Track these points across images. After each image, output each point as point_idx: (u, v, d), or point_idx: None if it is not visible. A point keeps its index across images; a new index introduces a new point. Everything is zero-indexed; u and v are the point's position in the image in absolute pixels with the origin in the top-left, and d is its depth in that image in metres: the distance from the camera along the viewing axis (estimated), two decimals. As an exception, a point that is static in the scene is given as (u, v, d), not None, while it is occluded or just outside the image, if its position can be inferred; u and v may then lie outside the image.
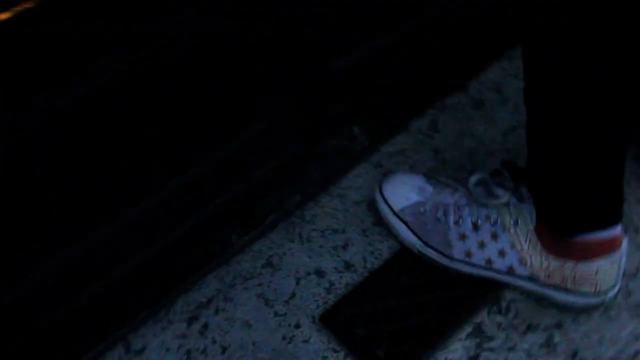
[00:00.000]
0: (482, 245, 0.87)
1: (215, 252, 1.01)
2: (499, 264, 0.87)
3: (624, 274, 0.89)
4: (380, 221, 1.01)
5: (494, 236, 0.86)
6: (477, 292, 0.93)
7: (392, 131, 1.12)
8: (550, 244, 0.84)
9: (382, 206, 0.97)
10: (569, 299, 0.87)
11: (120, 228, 0.92)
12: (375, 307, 0.94)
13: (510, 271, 0.87)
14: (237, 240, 1.02)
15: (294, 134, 1.04)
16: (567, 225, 0.82)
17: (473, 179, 0.90)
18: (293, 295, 0.96)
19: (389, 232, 0.99)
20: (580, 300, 0.87)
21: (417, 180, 0.96)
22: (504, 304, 0.92)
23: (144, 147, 0.89)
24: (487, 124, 1.12)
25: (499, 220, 0.86)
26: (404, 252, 0.98)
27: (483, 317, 0.91)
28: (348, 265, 0.98)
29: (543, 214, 0.83)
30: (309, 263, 0.99)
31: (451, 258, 0.90)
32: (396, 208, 0.95)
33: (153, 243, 0.96)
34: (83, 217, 0.89)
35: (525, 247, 0.85)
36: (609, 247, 0.82)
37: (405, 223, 0.94)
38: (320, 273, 0.98)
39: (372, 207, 1.02)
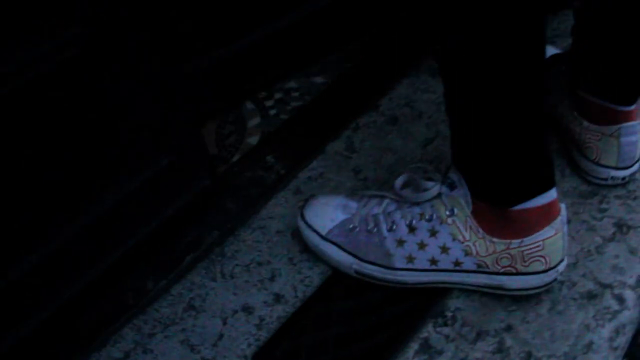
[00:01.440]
0: (422, 245, 0.81)
1: (128, 301, 0.90)
2: (444, 261, 0.81)
3: (566, 265, 0.86)
4: (307, 248, 0.93)
5: (433, 233, 0.81)
6: (419, 305, 0.86)
7: (309, 156, 1.06)
8: (491, 225, 0.79)
9: (308, 233, 0.89)
10: (523, 282, 0.82)
11: (6, 284, 0.79)
12: (314, 338, 0.84)
13: (457, 266, 0.81)
14: (153, 286, 0.91)
15: (203, 166, 0.96)
16: (503, 196, 0.78)
17: (398, 181, 0.84)
18: (221, 336, 0.85)
19: (318, 258, 0.91)
20: (534, 281, 0.81)
21: (340, 200, 0.90)
22: (449, 314, 0.85)
23: (36, 184, 0.78)
24: (404, 138, 1.08)
25: (434, 215, 0.80)
26: (335, 276, 0.90)
27: (429, 331, 0.83)
28: (278, 297, 0.89)
29: (477, 190, 0.79)
30: (234, 300, 0.89)
31: (393, 269, 0.84)
32: (323, 232, 0.87)
33: (51, 300, 0.83)
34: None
35: (467, 235, 0.79)
36: (549, 214, 0.78)
37: (336, 244, 0.86)
38: (248, 309, 0.88)
39: (297, 235, 0.95)
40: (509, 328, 0.83)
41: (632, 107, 0.90)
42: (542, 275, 0.81)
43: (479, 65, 0.68)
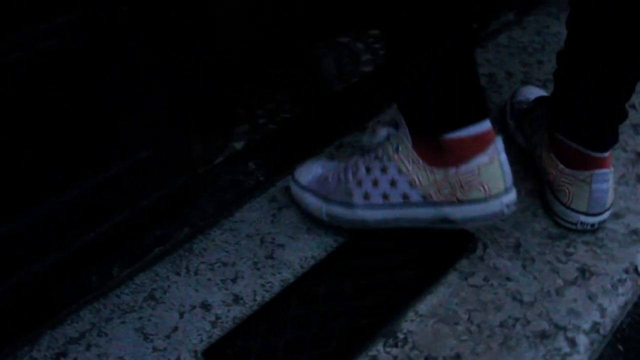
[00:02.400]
0: (375, 182, 0.89)
1: (92, 284, 0.90)
2: (394, 195, 0.88)
3: (522, 303, 0.87)
4: (272, 255, 0.95)
5: (384, 170, 0.88)
6: (373, 323, 0.86)
7: (289, 166, 1.07)
8: (430, 156, 0.85)
9: (292, 184, 1.00)
10: (466, 212, 0.85)
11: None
12: (266, 341, 0.84)
13: (405, 199, 0.87)
14: (119, 272, 0.92)
15: (183, 164, 0.98)
16: (438, 125, 0.82)
17: (365, 137, 0.95)
18: (175, 329, 0.86)
19: (280, 266, 0.93)
20: (476, 211, 0.84)
21: (323, 161, 1.02)
22: (400, 336, 0.85)
23: (12, 161, 0.81)
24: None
25: (384, 154, 0.89)
26: (297, 284, 0.90)
27: (379, 349, 0.83)
28: (237, 299, 0.89)
29: (414, 124, 0.85)
30: (194, 296, 0.90)
31: (353, 206, 0.91)
32: (304, 182, 0.98)
33: (16, 273, 0.84)
34: None
35: (410, 167, 0.86)
36: (482, 142, 0.81)
37: (311, 191, 0.97)
38: (206, 307, 0.89)
39: (265, 241, 0.96)
40: (457, 356, 0.83)
41: (606, 154, 0.91)
42: (483, 204, 0.84)
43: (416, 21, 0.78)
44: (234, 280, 0.92)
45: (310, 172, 0.98)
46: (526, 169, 1.06)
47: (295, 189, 0.99)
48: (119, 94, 0.85)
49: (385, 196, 0.89)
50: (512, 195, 0.84)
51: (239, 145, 1.12)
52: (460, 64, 0.80)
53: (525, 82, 1.24)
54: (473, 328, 0.85)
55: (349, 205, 0.92)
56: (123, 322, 0.87)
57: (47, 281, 0.88)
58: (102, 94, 0.84)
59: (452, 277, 0.91)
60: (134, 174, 0.92)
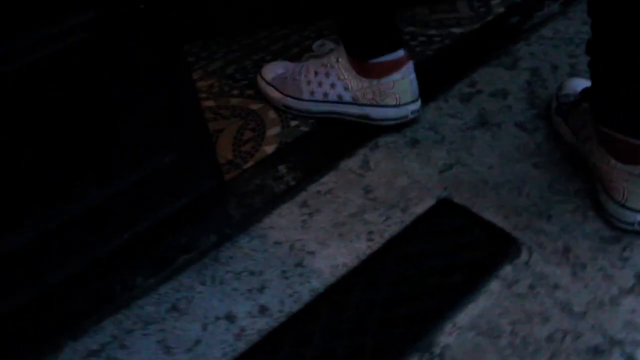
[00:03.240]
0: (320, 84, 1.12)
1: (116, 294, 0.86)
2: (332, 94, 1.11)
3: (572, 314, 0.78)
4: (302, 262, 0.88)
5: (327, 75, 1.11)
6: (407, 335, 0.79)
7: (321, 170, 1.01)
8: (359, 68, 1.08)
9: (260, 80, 1.22)
10: (381, 113, 1.09)
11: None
12: (293, 354, 0.79)
13: (340, 99, 1.11)
14: (143, 282, 0.88)
15: (209, 169, 0.93)
16: (363, 52, 1.07)
17: (316, 43, 1.27)
18: (198, 342, 0.81)
19: (309, 276, 0.87)
20: (389, 113, 1.08)
21: (284, 62, 1.24)
22: (436, 350, 0.77)
23: (35, 169, 0.77)
24: (423, 162, 1.02)
25: (328, 63, 1.11)
26: (326, 294, 0.84)
27: (413, 364, 0.77)
28: (263, 310, 0.84)
29: (347, 48, 1.08)
30: (219, 307, 0.85)
31: (302, 99, 1.14)
32: (268, 79, 1.20)
33: (38, 282, 0.81)
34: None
35: (346, 75, 1.09)
36: (397, 65, 1.06)
37: (274, 87, 1.18)
38: (230, 318, 0.83)
39: (294, 248, 0.91)
40: (500, 373, 0.75)
41: None
42: (395, 108, 1.08)
43: None
44: (260, 290, 0.86)
45: (273, 70, 1.21)
46: (575, 167, 0.97)
47: (262, 84, 1.21)
48: (136, 96, 0.81)
49: (325, 94, 1.12)
50: (417, 105, 1.09)
51: (270, 148, 1.07)
52: (381, 7, 1.04)
53: (572, 75, 1.14)
54: (517, 342, 0.77)
55: (299, 98, 1.15)
56: (145, 334, 0.82)
57: (69, 291, 0.84)
58: (120, 97, 0.80)
59: (494, 285, 0.83)
60: (157, 179, 0.88)
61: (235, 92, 1.22)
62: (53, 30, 0.72)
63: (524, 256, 0.87)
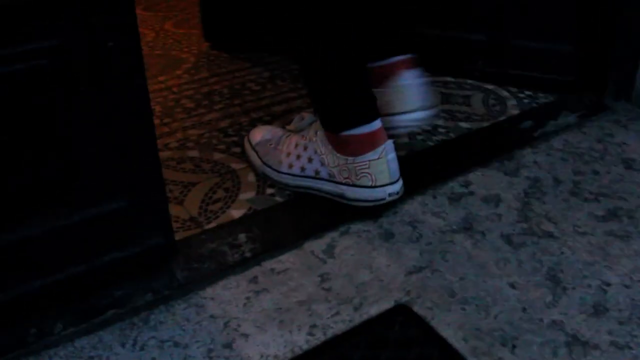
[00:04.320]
0: (298, 157, 1.07)
1: (28, 339, 0.80)
2: (309, 169, 1.06)
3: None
4: (232, 344, 0.80)
5: (305, 148, 1.07)
6: None
7: (282, 247, 0.94)
8: (334, 143, 1.03)
9: (246, 141, 1.18)
10: (357, 193, 1.02)
11: None
12: None
13: (317, 174, 1.06)
14: (61, 330, 0.81)
15: (159, 223, 0.87)
16: (333, 123, 1.02)
17: (296, 118, 1.17)
18: (94, 411, 0.74)
19: (239, 358, 0.79)
20: (365, 194, 1.01)
21: (274, 127, 1.19)
22: None
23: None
24: (392, 259, 0.93)
25: (307, 136, 1.07)
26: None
27: None
28: (176, 389, 0.77)
29: (322, 120, 1.04)
30: (130, 376, 0.78)
31: (279, 172, 1.09)
32: (253, 143, 1.16)
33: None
34: None
35: (323, 150, 1.04)
36: (373, 140, 1.00)
37: (256, 152, 1.14)
38: (138, 391, 0.76)
39: (228, 327, 0.83)
40: None
41: None
42: (370, 190, 1.01)
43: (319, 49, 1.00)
44: (178, 366, 0.79)
45: (260, 134, 1.16)
46: (555, 295, 0.88)
47: (247, 146, 1.18)
48: (88, 134, 0.76)
49: (302, 168, 1.07)
50: (396, 187, 1.02)
51: (238, 213, 1.00)
52: (352, 76, 1.01)
53: (574, 193, 1.06)
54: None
55: (277, 171, 1.10)
56: (42, 390, 0.76)
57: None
58: (71, 131, 0.75)
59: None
60: (102, 224, 0.82)
61: (222, 147, 1.17)
62: (14, 50, 0.69)
63: (472, 384, 0.77)
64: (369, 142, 0.99)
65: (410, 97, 1.06)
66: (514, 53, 1.34)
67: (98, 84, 0.75)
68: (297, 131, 1.12)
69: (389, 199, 1.01)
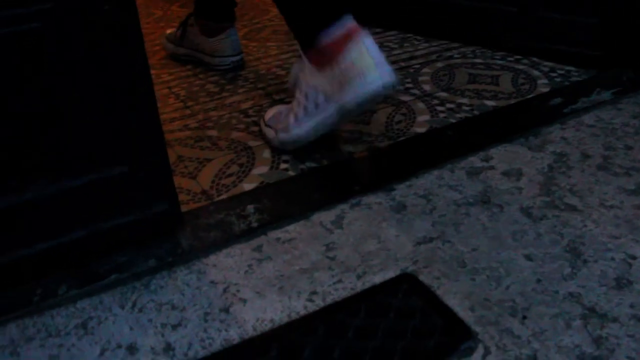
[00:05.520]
0: (299, 103, 1.07)
1: (33, 299, 0.81)
2: (310, 106, 1.06)
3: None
4: (228, 310, 0.79)
5: (300, 90, 1.08)
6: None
7: (290, 218, 0.92)
8: (320, 62, 1.03)
9: (261, 122, 1.19)
10: (352, 93, 0.99)
11: None
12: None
13: (317, 106, 1.05)
14: (64, 291, 0.82)
15: (163, 190, 0.87)
16: (310, 30, 1.02)
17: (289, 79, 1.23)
18: (88, 366, 0.74)
19: (230, 325, 0.77)
20: (359, 89, 0.98)
21: (288, 105, 1.16)
22: None
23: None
24: (401, 230, 0.90)
25: (297, 80, 1.10)
26: (237, 348, 0.74)
27: None
28: (168, 348, 0.74)
29: (299, 37, 1.07)
30: (126, 335, 0.76)
31: (289, 129, 1.09)
32: (267, 119, 1.17)
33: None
34: None
35: (312, 77, 1.05)
36: (350, 36, 0.98)
37: (269, 127, 1.14)
38: (131, 349, 0.75)
39: (228, 292, 0.82)
40: None
41: None
42: (363, 83, 0.98)
43: None
44: (174, 328, 0.77)
45: (273, 111, 1.17)
46: (574, 267, 0.82)
47: (262, 126, 1.18)
48: (89, 97, 0.77)
49: (305, 109, 1.06)
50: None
51: (249, 186, 0.99)
52: None
53: (603, 167, 0.99)
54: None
55: (288, 129, 1.09)
56: (42, 346, 0.75)
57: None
58: (71, 94, 0.76)
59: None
60: (105, 189, 0.83)
61: (241, 126, 1.17)
62: (7, 13, 0.70)
63: (475, 356, 0.72)
64: (346, 41, 0.97)
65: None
66: (541, 25, 1.29)
67: (94, 47, 0.75)
68: (294, 86, 1.13)
69: (384, 86, 0.98)
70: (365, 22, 1.03)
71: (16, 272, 0.82)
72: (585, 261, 0.83)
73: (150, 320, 0.78)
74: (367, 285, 0.82)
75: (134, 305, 0.81)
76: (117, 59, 0.77)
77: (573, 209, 0.92)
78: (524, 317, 0.76)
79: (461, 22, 1.22)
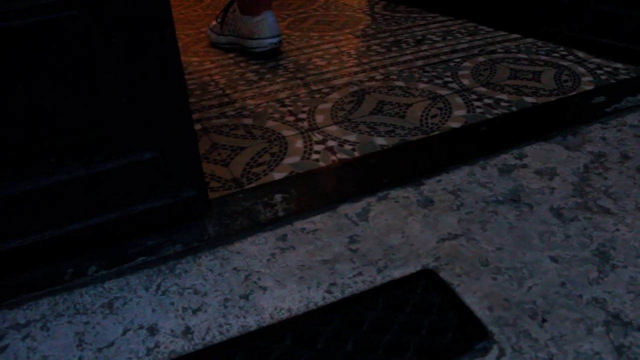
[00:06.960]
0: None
1: (64, 277, 0.84)
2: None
3: None
4: (249, 295, 0.80)
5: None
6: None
7: (316, 208, 0.93)
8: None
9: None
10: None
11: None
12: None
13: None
14: (94, 272, 0.85)
15: (192, 176, 0.89)
16: None
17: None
18: (111, 344, 0.75)
19: (249, 313, 0.78)
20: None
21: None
22: None
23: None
24: (426, 225, 0.89)
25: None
26: (252, 335, 0.75)
27: None
28: (187, 332, 0.76)
29: None
30: (148, 316, 0.79)
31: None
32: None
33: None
34: None
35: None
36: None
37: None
38: (152, 330, 0.77)
39: (249, 280, 0.83)
40: None
41: None
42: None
43: None
44: (194, 312, 0.79)
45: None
46: (601, 272, 0.79)
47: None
48: (120, 81, 0.80)
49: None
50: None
51: (279, 175, 1.00)
52: None
53: (642, 171, 0.95)
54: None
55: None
56: (70, 322, 0.79)
57: (21, 261, 0.84)
58: (101, 79, 0.78)
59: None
60: (136, 173, 0.85)
61: (276, 115, 1.18)
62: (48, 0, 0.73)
63: (490, 357, 0.71)
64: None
65: (269, 29, 1.53)
66: (591, 17, 1.24)
67: (128, 34, 0.78)
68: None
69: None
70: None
71: (52, 250, 0.86)
72: (614, 266, 0.81)
73: (172, 304, 0.81)
74: (387, 279, 0.82)
75: (158, 287, 0.83)
76: (149, 45, 0.79)
77: (606, 211, 0.89)
78: (544, 320, 0.74)
79: (508, 11, 1.18)
